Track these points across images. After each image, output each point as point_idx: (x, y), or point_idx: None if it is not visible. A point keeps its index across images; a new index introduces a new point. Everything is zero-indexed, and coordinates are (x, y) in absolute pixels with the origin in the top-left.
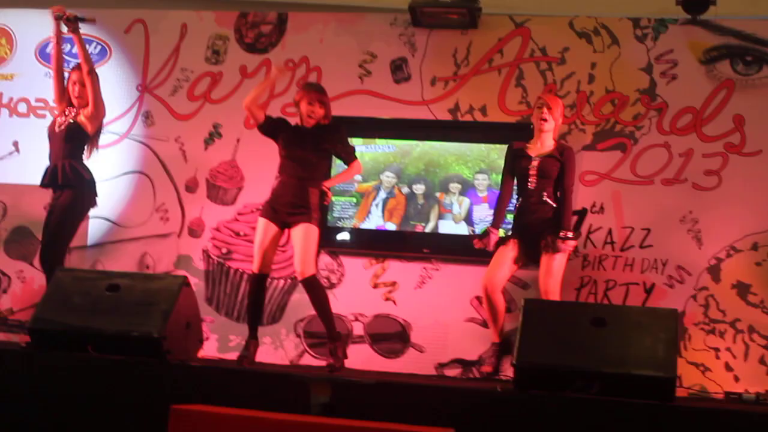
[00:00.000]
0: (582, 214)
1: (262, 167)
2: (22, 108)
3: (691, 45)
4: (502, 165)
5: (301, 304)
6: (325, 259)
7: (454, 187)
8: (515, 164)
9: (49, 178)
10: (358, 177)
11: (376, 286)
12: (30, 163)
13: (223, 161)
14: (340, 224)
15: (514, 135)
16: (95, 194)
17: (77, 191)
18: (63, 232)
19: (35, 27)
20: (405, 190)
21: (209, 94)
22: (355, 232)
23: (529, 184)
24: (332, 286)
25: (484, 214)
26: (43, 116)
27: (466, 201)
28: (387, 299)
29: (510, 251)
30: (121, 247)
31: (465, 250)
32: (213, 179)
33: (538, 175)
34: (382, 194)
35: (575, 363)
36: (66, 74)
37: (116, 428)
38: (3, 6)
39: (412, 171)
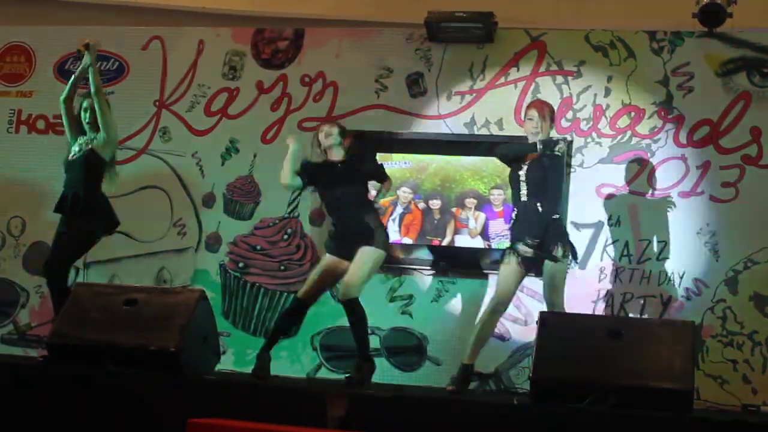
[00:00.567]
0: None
1: (278, 182)
2: (40, 125)
3: (707, 57)
4: None
5: (318, 317)
6: None
7: (470, 202)
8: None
9: (63, 206)
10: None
11: (392, 299)
12: (48, 181)
13: (240, 176)
14: None
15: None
16: (109, 222)
17: (89, 222)
18: (70, 256)
19: (54, 44)
20: (421, 205)
21: (226, 110)
22: None
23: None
24: None
25: (499, 229)
26: (62, 133)
27: (481, 216)
28: (403, 312)
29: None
30: (139, 262)
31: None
32: (230, 194)
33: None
34: (399, 209)
35: (592, 375)
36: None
37: None
38: (22, 24)
39: (428, 186)
